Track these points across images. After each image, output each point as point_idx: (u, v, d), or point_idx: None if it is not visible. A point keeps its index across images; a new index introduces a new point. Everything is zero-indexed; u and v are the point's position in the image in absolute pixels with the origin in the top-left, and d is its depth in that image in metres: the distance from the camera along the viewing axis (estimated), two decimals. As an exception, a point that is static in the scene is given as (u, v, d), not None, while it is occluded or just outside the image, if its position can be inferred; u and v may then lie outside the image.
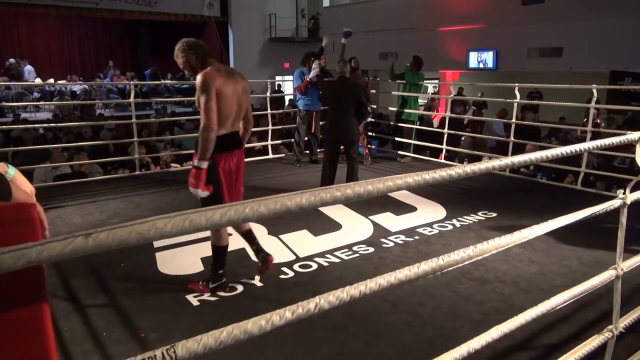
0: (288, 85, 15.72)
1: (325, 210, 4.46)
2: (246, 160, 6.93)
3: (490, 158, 6.31)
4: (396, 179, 1.09)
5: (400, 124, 7.29)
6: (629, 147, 1.81)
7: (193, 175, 2.72)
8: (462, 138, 7.38)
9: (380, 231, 4.12)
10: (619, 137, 1.76)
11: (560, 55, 11.03)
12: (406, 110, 7.15)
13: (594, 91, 5.33)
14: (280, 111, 8.90)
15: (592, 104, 5.43)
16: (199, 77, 2.74)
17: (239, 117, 2.94)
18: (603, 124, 7.90)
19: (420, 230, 4.14)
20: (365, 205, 4.61)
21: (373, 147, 7.20)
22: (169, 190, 5.32)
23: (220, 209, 0.88)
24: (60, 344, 2.37)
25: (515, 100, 6.03)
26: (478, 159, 6.62)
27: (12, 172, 1.33)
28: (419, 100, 6.97)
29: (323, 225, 4.21)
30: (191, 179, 2.73)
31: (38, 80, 13.83)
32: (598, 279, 1.81)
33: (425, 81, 7.72)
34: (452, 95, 7.68)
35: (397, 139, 7.34)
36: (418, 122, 7.46)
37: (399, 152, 7.24)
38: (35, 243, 0.72)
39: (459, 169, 1.24)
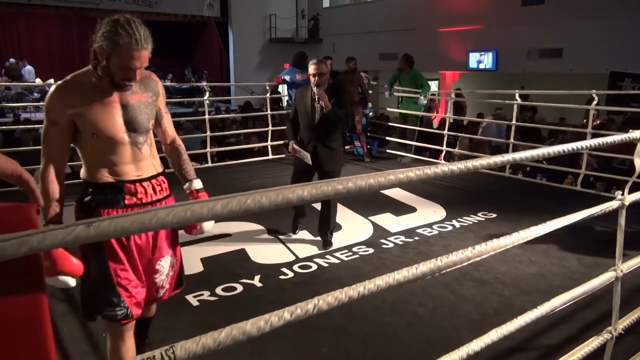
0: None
1: (325, 210, 4.45)
2: (247, 160, 7.06)
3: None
4: (398, 173, 1.08)
5: (392, 124, 7.42)
6: (630, 149, 1.81)
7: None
8: (459, 139, 7.39)
9: (379, 232, 4.12)
10: (620, 135, 1.76)
11: (560, 56, 11.03)
12: (389, 109, 7.24)
13: (594, 96, 5.37)
14: (281, 112, 8.90)
15: (592, 106, 5.44)
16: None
17: None
18: (598, 121, 7.91)
19: (419, 230, 4.14)
20: (365, 205, 4.62)
21: (370, 146, 7.22)
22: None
23: (222, 200, 0.87)
24: (59, 345, 2.37)
25: (514, 102, 6.03)
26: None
27: None
28: (422, 101, 6.97)
29: (323, 225, 4.21)
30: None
31: (38, 81, 13.83)
32: (597, 281, 1.80)
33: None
34: (452, 96, 7.67)
35: (389, 138, 7.43)
36: (419, 123, 7.49)
37: (396, 152, 7.29)
38: (37, 231, 0.72)
39: (460, 165, 1.23)
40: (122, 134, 1.74)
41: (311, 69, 3.66)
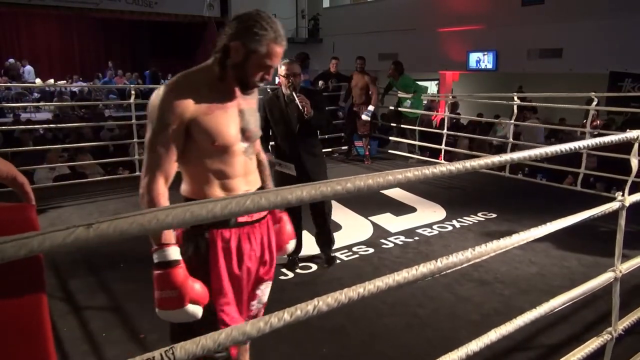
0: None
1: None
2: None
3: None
4: (397, 174, 1.08)
5: (393, 124, 7.52)
6: (630, 150, 1.81)
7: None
8: (458, 140, 7.43)
9: (379, 232, 4.12)
10: (618, 135, 1.76)
11: (560, 56, 11.02)
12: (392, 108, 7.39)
13: (594, 97, 5.38)
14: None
15: (592, 107, 5.45)
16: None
17: None
18: (598, 122, 7.94)
19: (419, 231, 4.14)
20: (365, 205, 4.62)
21: (370, 147, 7.23)
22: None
23: (222, 201, 0.87)
24: (59, 345, 2.37)
25: (514, 102, 6.04)
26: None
27: None
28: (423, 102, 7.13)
29: (323, 226, 4.20)
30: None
31: (38, 81, 13.84)
32: (596, 281, 1.80)
33: (423, 82, 7.82)
34: (450, 97, 7.72)
35: (389, 138, 7.49)
36: (417, 123, 7.54)
37: (396, 152, 7.31)
38: (37, 232, 0.72)
39: (460, 165, 1.23)
40: (239, 142, 1.56)
41: (282, 69, 3.21)
